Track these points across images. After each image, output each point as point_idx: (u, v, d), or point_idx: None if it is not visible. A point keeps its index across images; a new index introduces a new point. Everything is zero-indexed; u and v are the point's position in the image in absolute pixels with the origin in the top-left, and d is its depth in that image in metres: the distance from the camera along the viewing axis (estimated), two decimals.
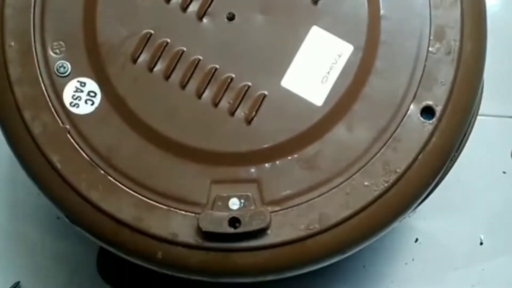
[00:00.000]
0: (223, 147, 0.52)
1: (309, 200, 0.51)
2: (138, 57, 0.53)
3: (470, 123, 0.55)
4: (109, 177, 0.52)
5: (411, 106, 0.51)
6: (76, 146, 0.52)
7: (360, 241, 0.52)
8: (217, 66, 0.52)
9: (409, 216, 0.60)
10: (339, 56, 0.52)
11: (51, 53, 0.53)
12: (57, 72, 0.53)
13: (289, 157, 0.52)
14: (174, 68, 0.53)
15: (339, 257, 0.53)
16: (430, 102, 0.51)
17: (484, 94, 0.57)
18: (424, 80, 0.51)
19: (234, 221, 0.50)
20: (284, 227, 0.51)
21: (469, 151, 0.59)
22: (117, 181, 0.52)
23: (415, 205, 0.54)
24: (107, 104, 0.53)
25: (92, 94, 0.53)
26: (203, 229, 0.50)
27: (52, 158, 0.52)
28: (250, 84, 0.52)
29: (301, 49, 0.52)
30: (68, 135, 0.52)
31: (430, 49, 0.52)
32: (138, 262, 0.53)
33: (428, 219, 0.75)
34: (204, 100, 0.52)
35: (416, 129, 0.51)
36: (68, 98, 0.53)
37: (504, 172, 0.77)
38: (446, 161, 0.53)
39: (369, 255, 0.74)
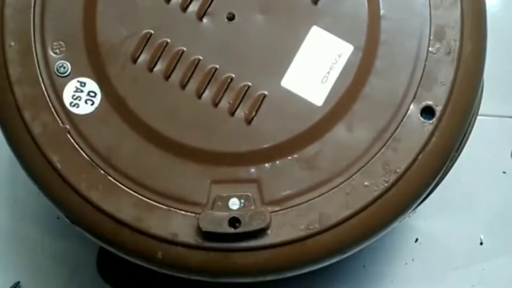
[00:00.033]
0: (223, 147, 0.52)
1: (309, 200, 0.51)
2: (138, 57, 0.53)
3: (470, 123, 0.55)
4: (109, 177, 0.52)
5: (411, 106, 0.51)
6: (76, 146, 0.52)
7: (360, 241, 0.52)
8: (217, 66, 0.52)
9: (409, 216, 0.60)
10: (339, 56, 0.52)
11: (51, 53, 0.53)
12: (57, 72, 0.53)
13: (289, 157, 0.52)
14: (174, 68, 0.53)
15: (339, 257, 0.53)
16: (430, 102, 0.51)
17: (484, 94, 0.57)
18: (424, 80, 0.51)
19: (234, 221, 0.50)
20: (284, 227, 0.51)
21: (469, 151, 0.59)
22: (117, 181, 0.52)
23: (415, 205, 0.54)
24: (107, 104, 0.53)
25: (92, 94, 0.53)
26: (203, 229, 0.50)
27: (52, 158, 0.52)
28: (250, 84, 0.52)
29: (301, 49, 0.52)
30: (68, 135, 0.52)
31: (430, 49, 0.52)
32: (138, 262, 0.53)
33: (428, 219, 0.75)
34: (204, 100, 0.52)
35: (416, 129, 0.51)
36: (68, 98, 0.53)
37: (504, 172, 0.77)
38: (446, 161, 0.53)
39: (369, 255, 0.74)
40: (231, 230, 0.50)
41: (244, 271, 0.52)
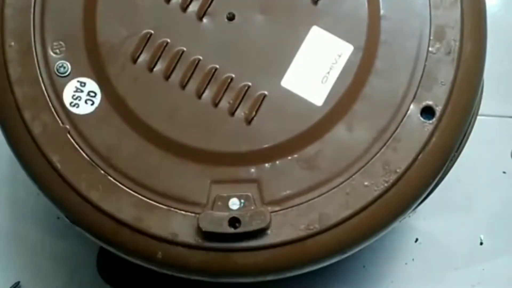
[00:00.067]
0: (223, 147, 0.52)
1: (309, 200, 0.51)
2: (138, 57, 0.53)
3: (470, 123, 0.55)
4: (109, 177, 0.52)
5: (411, 106, 0.51)
6: (76, 146, 0.52)
7: (360, 241, 0.52)
8: (217, 66, 0.52)
9: (409, 216, 0.60)
10: (339, 56, 0.52)
11: (51, 53, 0.53)
12: (57, 72, 0.53)
13: (289, 157, 0.52)
14: (174, 68, 0.53)
15: (339, 257, 0.53)
16: (430, 102, 0.51)
17: (484, 94, 0.57)
18: (424, 80, 0.51)
19: (234, 221, 0.50)
20: (284, 227, 0.51)
21: (469, 151, 0.59)
22: (117, 181, 0.52)
23: (415, 205, 0.54)
24: (107, 104, 0.53)
25: (92, 94, 0.53)
26: (203, 229, 0.50)
27: (52, 158, 0.52)
28: (250, 84, 0.52)
29: (301, 49, 0.52)
30: (68, 135, 0.52)
31: (430, 49, 0.52)
32: (138, 262, 0.53)
33: (428, 219, 0.75)
34: (204, 100, 0.52)
35: (416, 129, 0.51)
36: (68, 98, 0.53)
37: (504, 172, 0.77)
38: (446, 161, 0.53)
39: (369, 255, 0.74)
40: (231, 230, 0.50)
41: (244, 271, 0.52)
